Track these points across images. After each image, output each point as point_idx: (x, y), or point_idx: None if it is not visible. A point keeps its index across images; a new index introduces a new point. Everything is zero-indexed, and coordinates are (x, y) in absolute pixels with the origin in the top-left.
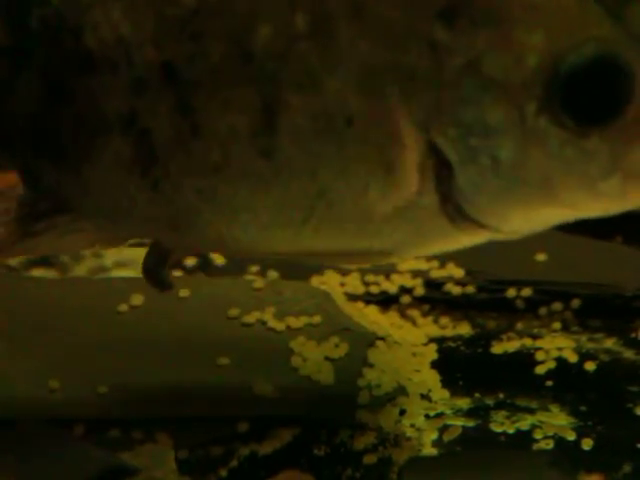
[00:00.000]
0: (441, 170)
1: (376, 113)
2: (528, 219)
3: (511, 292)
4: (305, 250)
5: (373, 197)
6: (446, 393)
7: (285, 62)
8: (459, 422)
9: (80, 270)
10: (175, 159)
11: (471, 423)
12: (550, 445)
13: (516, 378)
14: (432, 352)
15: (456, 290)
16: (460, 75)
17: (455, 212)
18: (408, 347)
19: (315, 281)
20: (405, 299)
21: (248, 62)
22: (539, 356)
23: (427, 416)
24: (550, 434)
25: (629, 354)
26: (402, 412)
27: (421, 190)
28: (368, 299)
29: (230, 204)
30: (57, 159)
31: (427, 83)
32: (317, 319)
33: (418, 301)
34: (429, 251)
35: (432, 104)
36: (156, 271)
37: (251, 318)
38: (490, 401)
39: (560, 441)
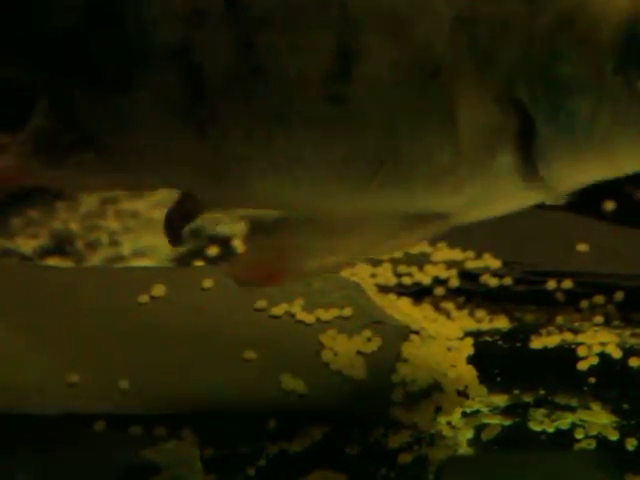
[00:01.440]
0: (522, 128)
1: (463, 66)
2: (580, 177)
3: (551, 284)
4: (364, 211)
5: (447, 154)
6: (483, 390)
7: (370, 5)
8: (497, 420)
9: (96, 259)
10: (227, 101)
11: (509, 421)
12: (592, 445)
13: (556, 374)
14: (468, 347)
15: (493, 282)
16: (553, 30)
17: (530, 171)
18: (443, 341)
19: (345, 271)
20: (439, 291)
21: (328, 2)
22: (580, 351)
23: (464, 414)
24: (592, 433)
25: None
26: (438, 409)
27: (499, 149)
28: (400, 291)
29: (286, 154)
30: (92, 86)
31: (519, 36)
32: (348, 311)
33: (453, 293)
34: (493, 212)
35: (521, 58)
36: (178, 227)
37: (279, 310)
38: (529, 398)
39: (603, 441)
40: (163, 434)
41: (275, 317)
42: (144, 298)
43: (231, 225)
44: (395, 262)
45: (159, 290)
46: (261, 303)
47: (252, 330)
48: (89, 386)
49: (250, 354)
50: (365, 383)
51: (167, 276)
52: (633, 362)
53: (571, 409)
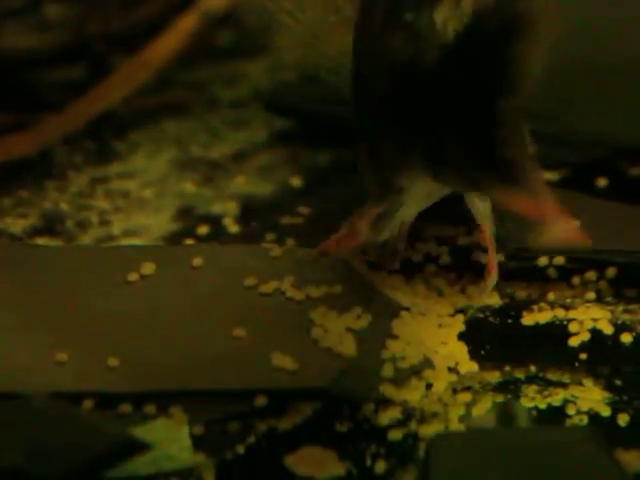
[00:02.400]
0: None
1: None
2: None
3: (542, 260)
4: None
5: None
6: (474, 366)
7: None
8: (488, 397)
9: (86, 239)
10: None
11: (501, 398)
12: (584, 421)
13: (548, 351)
14: (459, 323)
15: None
16: None
17: None
18: (434, 318)
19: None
20: (430, 268)
21: None
22: (572, 327)
23: (454, 390)
24: (584, 409)
25: None
26: (428, 386)
27: None
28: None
29: None
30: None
31: None
32: (338, 288)
33: (444, 270)
34: None
35: None
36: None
37: (268, 288)
38: (520, 375)
39: (595, 417)
40: (152, 412)
41: (265, 294)
42: (134, 276)
43: (222, 204)
44: None
45: (149, 268)
46: (250, 281)
47: (242, 307)
48: (78, 364)
49: (240, 332)
50: (355, 360)
51: (157, 254)
52: (625, 338)
53: (563, 385)
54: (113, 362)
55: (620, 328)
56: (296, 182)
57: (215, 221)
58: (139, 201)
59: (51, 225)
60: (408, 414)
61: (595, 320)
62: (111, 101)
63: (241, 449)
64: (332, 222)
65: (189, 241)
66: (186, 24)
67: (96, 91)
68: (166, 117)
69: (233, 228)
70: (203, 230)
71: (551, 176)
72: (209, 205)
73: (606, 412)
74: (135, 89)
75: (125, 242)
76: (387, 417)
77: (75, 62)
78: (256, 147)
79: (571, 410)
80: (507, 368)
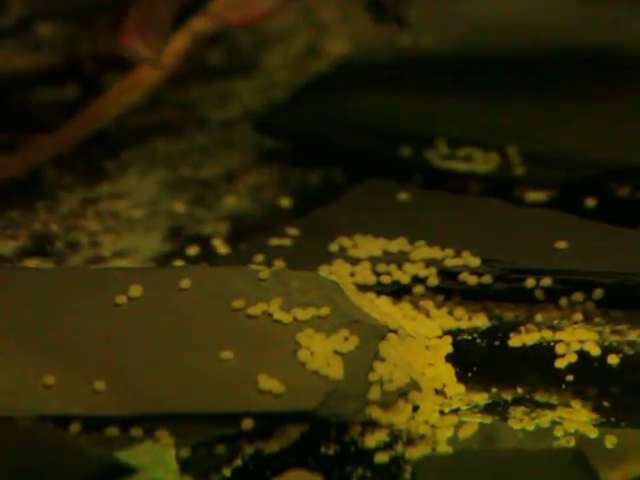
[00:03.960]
0: None
1: None
2: None
3: (530, 282)
4: None
5: None
6: (462, 388)
7: None
8: (475, 419)
9: (76, 260)
10: None
11: (488, 420)
12: (571, 442)
13: (535, 372)
14: (447, 345)
15: (472, 280)
16: None
17: None
18: (421, 340)
19: (323, 271)
20: (418, 289)
21: None
22: (560, 349)
23: (442, 412)
24: (571, 431)
25: None
26: (415, 408)
27: None
28: (379, 290)
29: None
30: None
31: None
32: (325, 311)
33: (432, 291)
34: None
35: None
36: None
37: (256, 310)
38: (508, 396)
39: (582, 438)
40: (139, 435)
41: (252, 317)
42: (121, 299)
43: (212, 225)
44: (374, 261)
45: (136, 291)
46: (238, 303)
47: (229, 330)
48: (64, 387)
49: (227, 354)
50: (342, 382)
51: (144, 277)
52: (612, 359)
53: (550, 407)
54: (100, 385)
55: (607, 349)
56: (285, 202)
57: (205, 242)
58: (129, 221)
59: (41, 246)
60: (395, 437)
61: (582, 342)
62: (102, 121)
63: (228, 472)
64: (320, 243)
65: (179, 262)
66: (177, 44)
67: (87, 111)
68: (157, 137)
69: (222, 249)
70: (193, 251)
71: (540, 196)
72: (199, 225)
73: (593, 434)
74: (126, 109)
75: (115, 263)
76: (374, 440)
77: (66, 82)
78: (246, 167)
79: (558, 432)
80: (494, 390)
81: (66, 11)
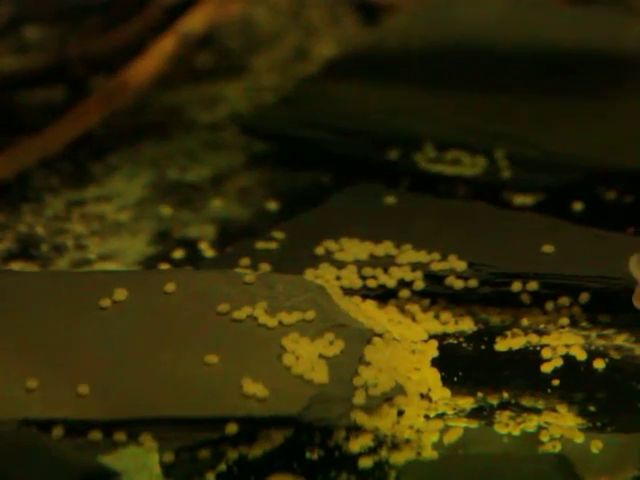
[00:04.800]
0: None
1: None
2: None
3: (516, 286)
4: None
5: None
6: (447, 392)
7: None
8: (461, 423)
9: (62, 263)
10: None
11: (474, 424)
12: (557, 447)
13: (521, 376)
14: (433, 349)
15: (458, 284)
16: None
17: None
18: (407, 344)
19: (309, 274)
20: (404, 293)
21: None
22: (546, 353)
23: (427, 417)
24: (557, 436)
25: None
26: (400, 413)
27: None
28: (365, 293)
29: None
30: None
31: None
32: (311, 315)
33: (418, 295)
34: None
35: None
36: None
37: (241, 314)
38: (494, 401)
39: (568, 443)
40: (122, 439)
41: (237, 321)
42: (106, 302)
43: (199, 228)
44: (360, 265)
45: (121, 294)
46: (223, 307)
47: (214, 334)
48: (48, 391)
49: (211, 358)
50: (327, 387)
51: (129, 280)
52: (598, 364)
53: (536, 411)
54: (83, 389)
55: (593, 354)
56: (272, 206)
57: (191, 245)
58: (115, 224)
59: (26, 249)
60: (379, 441)
61: (568, 346)
62: (89, 124)
63: (211, 477)
64: (306, 247)
65: (165, 265)
66: (165, 47)
67: (74, 113)
68: (144, 140)
69: (209, 252)
70: (179, 254)
71: (528, 200)
72: (186, 228)
73: (579, 439)
74: (113, 112)
75: (101, 266)
76: (358, 444)
77: (54, 84)
78: (233, 170)
79: (544, 437)
80: (480, 394)
81: (54, 13)
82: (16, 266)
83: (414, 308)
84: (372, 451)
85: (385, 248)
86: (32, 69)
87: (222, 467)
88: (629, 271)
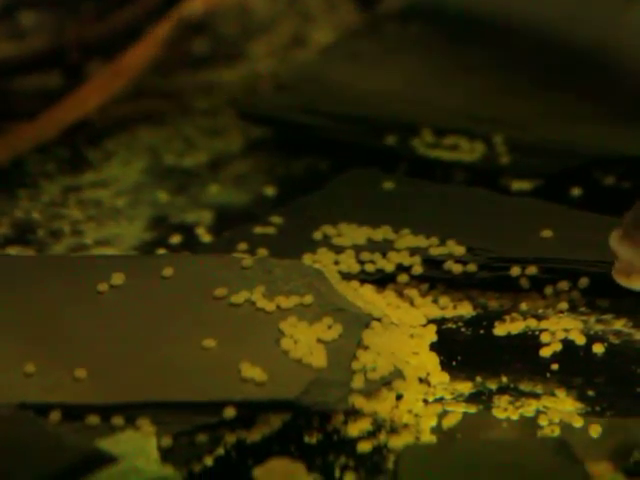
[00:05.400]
0: None
1: None
2: None
3: (515, 270)
4: None
5: None
6: (446, 377)
7: None
8: (459, 408)
9: (59, 248)
10: None
11: (472, 409)
12: (556, 432)
13: (520, 361)
14: (431, 334)
15: (457, 268)
16: None
17: None
18: (406, 328)
19: (307, 259)
20: (403, 278)
21: None
22: (544, 338)
23: (425, 401)
24: (556, 420)
25: (639, 336)
26: (399, 397)
27: None
28: (363, 278)
29: None
30: None
31: None
32: (309, 299)
33: (416, 280)
34: None
35: None
36: None
37: (239, 298)
38: (492, 385)
39: (566, 428)
40: (120, 423)
41: (235, 305)
42: (103, 287)
43: (196, 213)
44: (358, 249)
45: (118, 279)
46: (221, 291)
47: (212, 318)
48: (45, 376)
49: (209, 342)
50: (325, 371)
51: (126, 265)
52: (597, 348)
53: (535, 396)
54: (81, 373)
55: (592, 338)
56: (270, 191)
57: (188, 230)
58: (112, 210)
59: (23, 234)
60: (378, 425)
61: (567, 330)
62: (86, 109)
63: (209, 461)
64: (304, 232)
65: (162, 250)
66: (162, 33)
67: (71, 99)
68: (140, 126)
69: (206, 237)
70: (176, 239)
71: (525, 185)
72: (183, 214)
73: (578, 423)
74: (110, 97)
75: (98, 252)
76: (357, 429)
77: (50, 70)
78: (231, 156)
79: (543, 421)
80: (479, 379)
81: None
82: (12, 251)
83: (412, 293)
84: (371, 435)
85: (383, 233)
86: (28, 55)
87: (220, 451)
88: (610, 246)
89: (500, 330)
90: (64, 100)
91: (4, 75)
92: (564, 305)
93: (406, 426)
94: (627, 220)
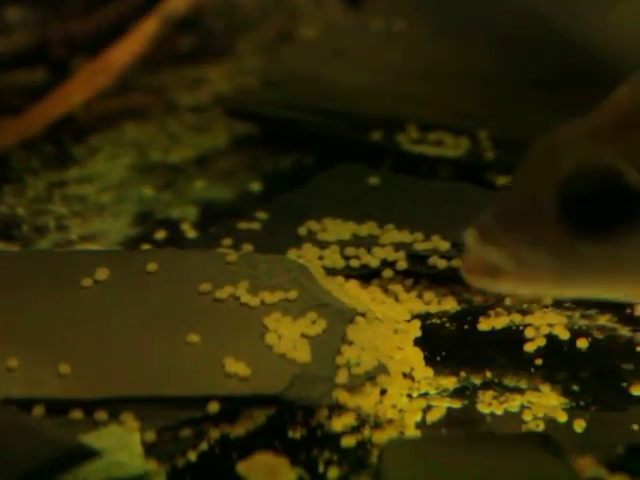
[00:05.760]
0: None
1: None
2: None
3: None
4: None
5: None
6: (430, 372)
7: None
8: (444, 403)
9: (43, 244)
10: None
11: (457, 404)
12: (540, 427)
13: (504, 356)
14: (415, 329)
15: (441, 263)
16: None
17: None
18: (390, 323)
19: (292, 254)
20: (387, 273)
21: None
22: (529, 333)
23: (410, 396)
24: (540, 415)
25: (623, 331)
26: (383, 392)
27: None
28: (348, 273)
29: None
30: None
31: None
32: (293, 294)
33: (401, 275)
34: None
35: None
36: None
37: (223, 293)
38: (477, 380)
39: (551, 422)
40: (103, 418)
41: (219, 300)
42: (87, 282)
43: (181, 209)
44: (343, 244)
45: (103, 274)
46: (205, 286)
47: (196, 313)
48: (28, 371)
49: (193, 337)
50: (309, 366)
51: (111, 260)
52: (581, 343)
53: (519, 391)
54: (64, 368)
55: (577, 333)
56: (255, 187)
57: (174, 226)
58: (97, 206)
59: (7, 230)
60: (362, 420)
61: (551, 326)
62: (71, 105)
63: (193, 456)
64: (289, 227)
65: (147, 246)
66: (147, 28)
67: (56, 95)
68: (126, 121)
69: (191, 233)
70: (161, 235)
71: (508, 180)
72: (168, 210)
73: (562, 418)
74: (95, 93)
75: (83, 247)
76: (341, 423)
77: (35, 66)
78: (216, 152)
79: (527, 416)
80: (463, 374)
81: None
82: None
83: (397, 288)
84: (355, 430)
85: (368, 228)
86: (13, 50)
87: (204, 446)
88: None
89: (484, 325)
90: (49, 96)
91: None
92: (548, 300)
93: (390, 421)
94: (488, 215)
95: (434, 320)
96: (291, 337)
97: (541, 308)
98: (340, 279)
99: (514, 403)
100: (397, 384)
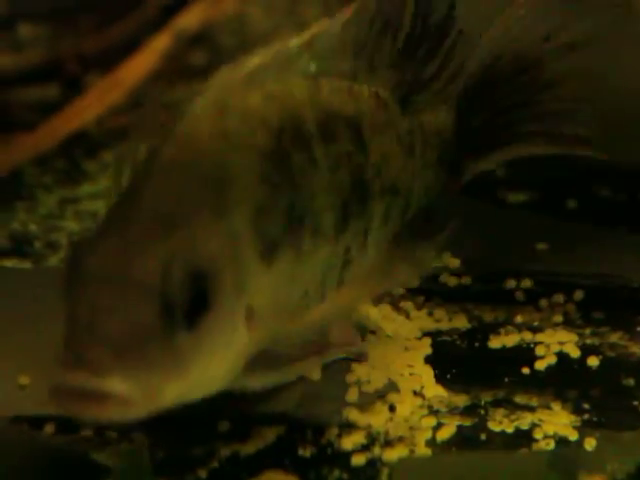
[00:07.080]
0: None
1: None
2: None
3: (510, 283)
4: None
5: None
6: (440, 390)
7: None
8: (454, 420)
9: (55, 260)
10: None
11: (467, 422)
12: (551, 445)
13: (515, 374)
14: (426, 346)
15: (452, 281)
16: None
17: None
18: (401, 341)
19: None
20: (398, 290)
21: None
22: (539, 351)
23: (420, 414)
24: (551, 433)
25: (635, 349)
26: (393, 410)
27: None
28: None
29: None
30: None
31: None
32: None
33: (412, 293)
34: None
35: None
36: None
37: None
38: (487, 398)
39: (561, 441)
40: (114, 436)
41: None
42: None
43: None
44: None
45: None
46: None
47: None
48: (40, 388)
49: None
50: (319, 384)
51: None
52: (592, 361)
53: (530, 409)
54: None
55: (588, 351)
56: None
57: None
58: None
59: (19, 246)
60: (372, 438)
61: (562, 343)
62: (84, 121)
63: (203, 474)
64: None
65: None
66: (160, 44)
67: (68, 111)
68: (138, 137)
69: None
70: None
71: (519, 198)
72: None
73: (573, 436)
74: (107, 109)
75: None
76: (351, 442)
77: (48, 82)
78: None
79: (538, 434)
80: (474, 392)
81: (48, 11)
82: (9, 263)
83: (408, 305)
84: (365, 448)
85: None
86: (26, 67)
87: (214, 464)
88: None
89: (495, 343)
90: (62, 112)
91: (2, 87)
92: (559, 318)
93: (400, 439)
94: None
95: (445, 338)
96: None
97: (552, 326)
98: None
99: (525, 421)
100: (407, 402)
